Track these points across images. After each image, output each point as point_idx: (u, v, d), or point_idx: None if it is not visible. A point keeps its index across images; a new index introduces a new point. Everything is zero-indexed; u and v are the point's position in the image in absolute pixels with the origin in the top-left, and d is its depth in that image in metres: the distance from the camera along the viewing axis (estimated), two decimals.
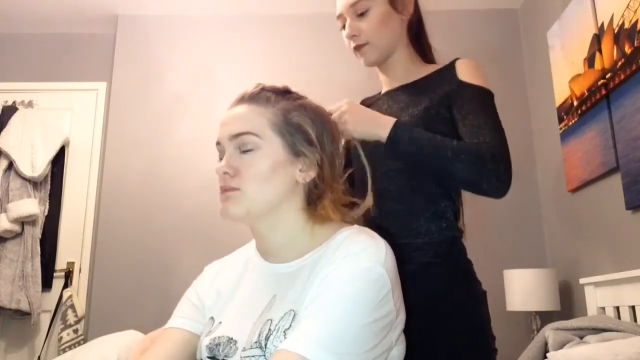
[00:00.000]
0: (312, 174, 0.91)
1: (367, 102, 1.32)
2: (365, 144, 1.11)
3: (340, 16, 1.22)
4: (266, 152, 0.88)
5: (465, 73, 1.15)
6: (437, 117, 1.12)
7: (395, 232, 1.07)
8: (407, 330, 0.91)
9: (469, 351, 1.04)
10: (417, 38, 1.27)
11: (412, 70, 1.24)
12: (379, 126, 1.06)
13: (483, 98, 1.12)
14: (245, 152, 0.89)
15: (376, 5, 1.18)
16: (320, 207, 0.91)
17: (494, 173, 1.02)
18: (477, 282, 1.12)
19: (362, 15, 1.18)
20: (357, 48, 1.21)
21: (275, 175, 0.88)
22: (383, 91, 1.30)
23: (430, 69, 1.24)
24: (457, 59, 1.20)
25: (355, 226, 0.92)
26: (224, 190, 0.89)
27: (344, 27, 1.22)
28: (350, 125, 1.05)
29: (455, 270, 1.10)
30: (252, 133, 0.88)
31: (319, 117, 0.94)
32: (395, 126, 1.06)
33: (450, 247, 1.11)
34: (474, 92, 1.12)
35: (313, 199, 0.92)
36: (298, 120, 0.91)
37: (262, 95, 0.92)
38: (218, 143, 0.92)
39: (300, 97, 0.96)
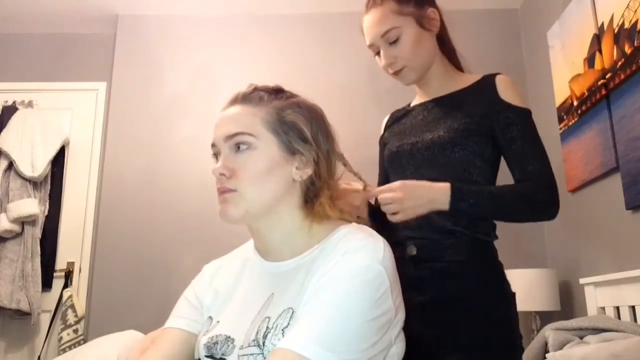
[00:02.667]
0: (308, 171, 0.91)
1: (398, 114, 1.34)
2: (397, 152, 1.22)
3: (372, 45, 1.23)
4: (261, 152, 0.88)
5: (506, 92, 1.17)
6: (477, 132, 1.15)
7: (429, 232, 1.12)
8: (434, 323, 0.96)
9: (497, 348, 1.07)
10: (445, 45, 1.28)
11: (447, 82, 1.25)
12: (436, 202, 1.08)
13: (526, 121, 1.16)
14: (240, 152, 0.88)
15: (406, 30, 1.18)
16: (318, 204, 0.91)
17: (550, 206, 1.13)
18: (507, 283, 1.15)
19: (394, 42, 1.19)
20: (396, 73, 1.22)
21: (271, 174, 0.88)
22: (417, 102, 1.31)
23: (466, 80, 1.24)
24: (498, 74, 1.21)
25: (354, 224, 0.92)
26: (221, 192, 0.88)
27: (377, 53, 1.24)
28: (411, 211, 1.07)
29: (487, 271, 1.14)
30: (247, 133, 0.88)
31: (313, 114, 0.94)
32: (453, 198, 1.07)
33: (483, 249, 1.15)
34: (518, 115, 1.15)
35: (310, 197, 0.92)
36: (292, 118, 0.91)
37: (255, 95, 0.92)
38: (213, 145, 0.92)
39: (293, 96, 0.96)
